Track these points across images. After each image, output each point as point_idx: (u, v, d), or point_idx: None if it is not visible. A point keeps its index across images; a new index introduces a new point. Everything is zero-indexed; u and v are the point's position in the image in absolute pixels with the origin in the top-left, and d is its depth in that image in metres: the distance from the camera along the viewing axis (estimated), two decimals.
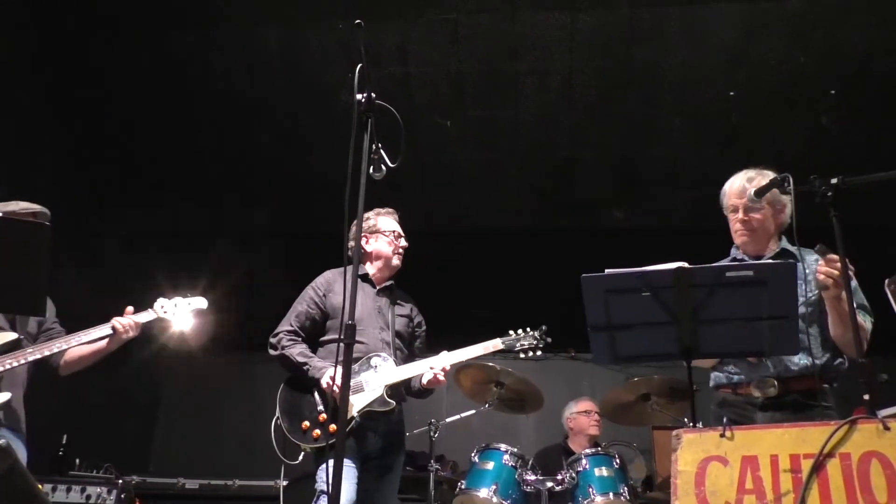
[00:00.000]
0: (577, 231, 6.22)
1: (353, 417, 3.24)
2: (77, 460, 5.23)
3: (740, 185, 2.91)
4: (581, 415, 5.24)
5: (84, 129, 5.60)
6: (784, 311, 2.39)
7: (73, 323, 3.63)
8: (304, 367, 3.32)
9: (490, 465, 3.92)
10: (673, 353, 2.59)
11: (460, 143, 5.67)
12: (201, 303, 3.65)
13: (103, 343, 3.37)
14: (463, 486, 3.93)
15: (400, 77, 5.20)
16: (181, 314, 3.57)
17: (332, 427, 3.12)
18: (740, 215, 2.90)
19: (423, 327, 3.74)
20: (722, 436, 2.11)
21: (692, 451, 2.12)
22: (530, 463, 4.02)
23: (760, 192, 2.76)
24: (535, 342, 3.64)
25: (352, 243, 3.05)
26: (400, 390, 3.47)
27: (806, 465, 1.98)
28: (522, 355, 3.64)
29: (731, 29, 4.83)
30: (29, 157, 5.21)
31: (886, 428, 1.96)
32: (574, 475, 3.90)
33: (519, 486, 3.89)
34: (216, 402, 7.21)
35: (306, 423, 3.28)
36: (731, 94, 5.13)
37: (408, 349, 3.62)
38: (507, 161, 5.81)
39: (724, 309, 2.41)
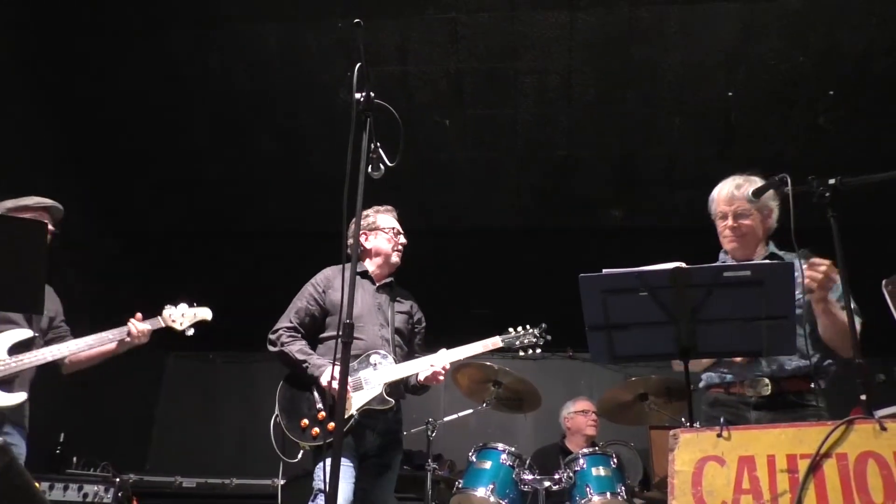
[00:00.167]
0: (576, 230, 6.22)
1: (351, 416, 3.24)
2: (74, 458, 5.24)
3: (729, 192, 2.95)
4: (579, 414, 5.24)
5: (84, 129, 5.60)
6: (782, 310, 2.39)
7: (73, 322, 3.65)
8: (304, 365, 3.32)
9: (487, 465, 3.92)
10: (671, 352, 2.59)
11: (459, 143, 5.67)
12: (206, 313, 3.69)
13: (112, 345, 3.42)
14: (460, 486, 3.93)
15: (399, 76, 5.21)
16: (187, 323, 3.61)
17: (331, 425, 3.12)
18: (730, 222, 2.94)
19: (423, 324, 3.74)
20: (719, 436, 2.11)
21: (689, 450, 2.12)
22: (527, 462, 4.02)
23: (758, 193, 2.78)
24: (534, 340, 3.64)
25: (351, 241, 3.06)
26: (399, 388, 3.47)
27: (803, 466, 1.98)
28: (522, 353, 3.65)
29: (730, 29, 4.83)
30: (29, 157, 5.20)
31: (883, 428, 1.96)
32: (571, 475, 3.90)
33: (516, 486, 3.88)
34: (214, 401, 7.22)
35: (305, 421, 3.28)
36: (730, 93, 5.13)
37: (407, 346, 3.62)
38: (506, 160, 5.81)
39: (722, 309, 2.41)
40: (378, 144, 2.62)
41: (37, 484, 2.46)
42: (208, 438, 6.95)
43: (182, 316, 3.61)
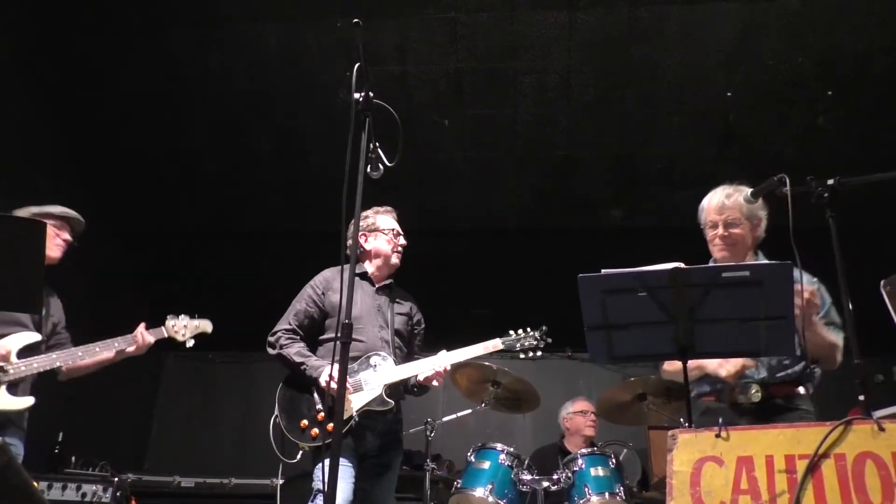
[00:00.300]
0: (576, 230, 6.22)
1: (351, 416, 3.24)
2: (73, 458, 5.24)
3: (719, 201, 3.00)
4: (577, 415, 5.24)
5: (84, 129, 5.60)
6: (780, 311, 2.39)
7: (73, 322, 3.65)
8: (302, 367, 3.32)
9: (486, 465, 3.92)
10: (669, 352, 2.60)
11: (459, 143, 5.67)
12: (207, 326, 3.78)
13: (111, 353, 3.46)
14: (459, 486, 3.93)
15: (398, 76, 5.21)
16: (188, 334, 3.70)
17: (331, 426, 3.12)
18: (720, 230, 2.98)
19: (423, 326, 3.74)
20: (717, 436, 2.11)
21: (688, 451, 2.12)
22: (526, 462, 4.02)
23: (757, 194, 2.80)
24: (535, 343, 3.64)
25: (350, 241, 3.05)
26: (399, 389, 3.47)
27: (801, 466, 1.98)
28: (522, 356, 3.65)
29: (729, 29, 4.84)
30: (29, 157, 5.20)
31: (881, 429, 1.96)
32: (570, 475, 3.90)
33: (515, 486, 3.89)
34: (212, 401, 7.21)
35: (305, 422, 3.28)
36: (729, 94, 5.14)
37: (407, 347, 3.62)
38: (505, 160, 5.81)
39: (721, 309, 2.41)
40: (377, 144, 2.62)
41: (35, 483, 2.46)
42: (207, 438, 6.95)
43: (185, 327, 3.69)
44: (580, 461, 3.93)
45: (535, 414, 5.02)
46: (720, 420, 2.24)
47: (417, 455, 5.26)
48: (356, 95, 2.52)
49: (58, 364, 3.29)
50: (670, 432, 2.19)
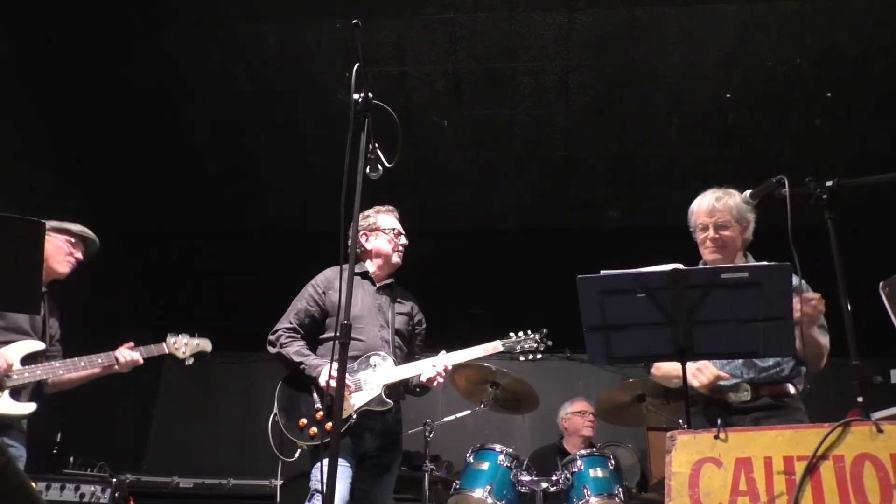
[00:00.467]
0: (575, 231, 6.22)
1: (350, 416, 3.24)
2: (71, 458, 5.24)
3: (709, 204, 3.04)
4: (576, 415, 5.24)
5: (84, 129, 5.60)
6: (779, 312, 2.39)
7: (73, 322, 3.66)
8: (301, 366, 3.32)
9: (485, 466, 3.92)
10: (668, 353, 2.60)
11: (457, 143, 5.67)
12: (207, 345, 3.83)
13: (97, 369, 3.48)
14: (458, 487, 3.93)
15: (397, 76, 5.21)
16: (188, 352, 3.75)
17: (329, 425, 3.12)
18: (711, 233, 3.01)
19: (423, 326, 3.74)
20: (716, 437, 2.12)
21: (686, 452, 2.13)
22: (525, 463, 4.02)
23: (756, 195, 2.80)
24: (535, 345, 3.64)
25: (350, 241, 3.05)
26: (398, 390, 3.47)
27: (799, 467, 1.98)
28: (522, 358, 3.65)
29: (728, 29, 4.84)
30: (29, 157, 5.20)
31: (880, 430, 1.96)
32: (569, 476, 3.90)
33: (514, 487, 3.89)
34: (211, 401, 7.20)
35: (303, 421, 3.28)
36: (728, 94, 5.14)
37: (407, 347, 3.62)
38: (504, 160, 5.81)
39: (720, 310, 2.41)
40: (376, 145, 2.62)
41: (33, 484, 2.46)
42: (206, 438, 6.94)
43: (185, 345, 3.74)
44: (579, 462, 3.94)
45: (534, 415, 5.02)
46: (719, 421, 2.25)
47: (416, 456, 5.26)
48: (355, 96, 2.52)
49: (61, 373, 3.34)
50: (669, 433, 2.19)
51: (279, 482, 5.02)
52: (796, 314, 2.59)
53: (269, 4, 4.90)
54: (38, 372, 3.25)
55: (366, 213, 3.66)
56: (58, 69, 5.23)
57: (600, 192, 5.96)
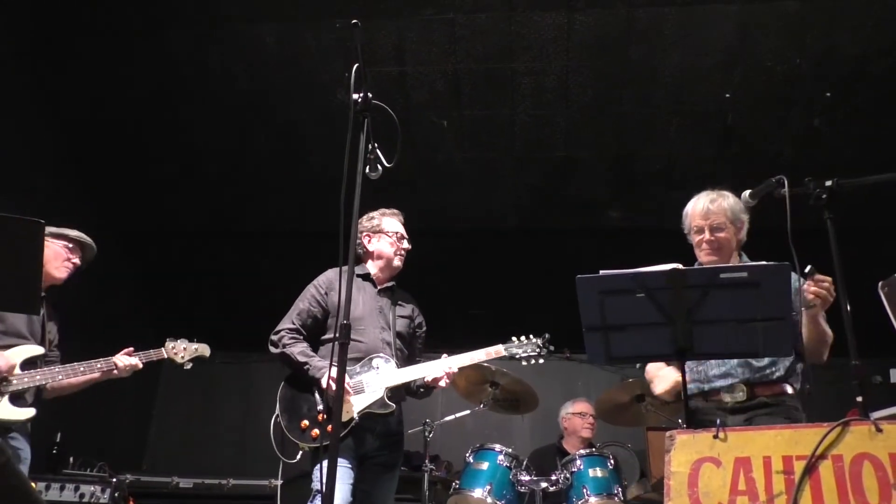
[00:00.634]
0: (574, 231, 6.22)
1: (352, 418, 3.24)
2: (71, 458, 5.23)
3: (704, 206, 3.04)
4: (575, 416, 5.24)
5: (84, 129, 5.60)
6: (778, 312, 2.39)
7: (73, 322, 3.66)
8: (305, 367, 3.31)
9: (484, 466, 3.93)
10: (667, 353, 2.60)
11: (457, 143, 5.67)
12: (205, 350, 3.86)
13: (96, 374, 3.50)
14: (457, 486, 3.94)
15: (396, 76, 5.21)
16: (187, 357, 3.78)
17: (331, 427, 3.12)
18: (706, 235, 3.02)
19: (424, 328, 3.74)
20: (715, 437, 2.12)
21: (685, 452, 2.13)
22: (525, 463, 4.03)
23: (755, 195, 2.81)
24: (537, 350, 3.65)
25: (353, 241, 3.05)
26: (400, 392, 3.47)
27: (798, 467, 1.99)
28: (524, 363, 3.66)
29: (727, 30, 4.84)
30: (29, 157, 5.20)
31: (879, 430, 1.97)
32: (568, 476, 3.91)
33: (513, 487, 3.89)
34: (212, 401, 7.20)
35: (305, 422, 3.28)
36: (728, 95, 5.14)
37: (408, 350, 3.61)
38: (503, 161, 5.81)
39: (719, 310, 2.41)
40: (375, 145, 2.63)
41: (33, 484, 2.47)
42: (206, 439, 6.94)
43: (184, 350, 3.76)
44: (578, 462, 3.94)
45: (534, 415, 5.03)
46: (718, 421, 2.25)
47: (416, 456, 5.26)
48: (355, 96, 2.52)
49: (60, 377, 3.35)
50: (668, 433, 2.19)
51: (279, 482, 5.01)
52: (810, 296, 2.59)
53: (268, 4, 4.90)
54: (38, 377, 3.27)
55: (371, 214, 3.67)
56: (58, 69, 5.24)
57: (600, 192, 5.96)
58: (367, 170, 2.58)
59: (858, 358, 2.34)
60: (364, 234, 3.61)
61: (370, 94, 2.53)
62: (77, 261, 3.54)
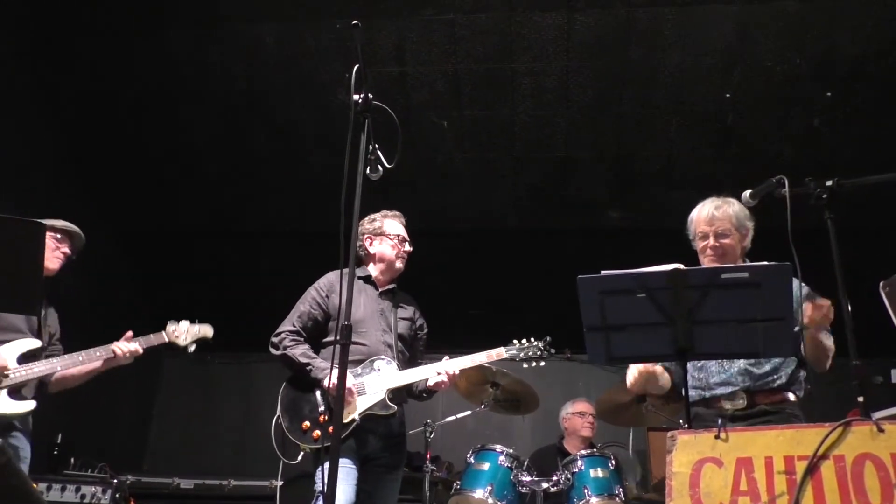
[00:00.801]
0: (574, 231, 6.22)
1: (353, 420, 3.24)
2: (72, 459, 5.23)
3: (709, 213, 3.05)
4: (576, 416, 5.24)
5: (84, 129, 5.60)
6: (779, 312, 2.39)
7: (73, 323, 3.66)
8: (307, 368, 3.31)
9: (485, 466, 3.93)
10: (668, 353, 2.60)
11: (457, 143, 5.67)
12: (208, 330, 3.79)
13: (98, 364, 3.47)
14: (458, 487, 3.93)
15: (397, 76, 5.21)
16: (189, 339, 3.71)
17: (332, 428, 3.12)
18: (711, 241, 3.02)
19: (425, 330, 3.74)
20: (717, 437, 2.11)
21: (687, 452, 2.13)
22: (525, 464, 4.02)
23: (756, 195, 2.81)
24: (539, 353, 3.64)
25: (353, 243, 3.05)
26: (402, 394, 3.46)
27: (800, 467, 1.98)
28: (525, 365, 3.65)
29: (726, 30, 4.84)
30: (29, 157, 5.20)
31: (880, 430, 1.96)
32: (569, 476, 3.90)
33: (514, 487, 3.89)
34: (212, 401, 7.20)
35: (307, 423, 3.28)
36: (727, 95, 5.14)
37: (409, 352, 3.61)
38: (503, 161, 5.81)
39: (720, 310, 2.41)
40: (376, 146, 2.62)
41: (34, 484, 2.46)
42: (206, 439, 6.94)
43: (185, 332, 3.70)
44: (579, 462, 3.94)
45: (535, 415, 5.02)
46: (719, 421, 2.25)
47: (417, 456, 5.26)
48: (355, 96, 2.52)
49: (58, 369, 3.33)
50: (669, 433, 2.19)
51: (279, 483, 5.01)
52: (807, 320, 2.63)
53: (268, 4, 4.90)
54: (36, 369, 3.24)
55: (372, 216, 3.66)
56: (58, 69, 5.23)
57: (600, 192, 5.96)
58: (368, 170, 2.57)
59: (859, 358, 2.34)
60: (365, 236, 3.61)
61: (370, 95, 2.53)
62: (67, 250, 3.50)
